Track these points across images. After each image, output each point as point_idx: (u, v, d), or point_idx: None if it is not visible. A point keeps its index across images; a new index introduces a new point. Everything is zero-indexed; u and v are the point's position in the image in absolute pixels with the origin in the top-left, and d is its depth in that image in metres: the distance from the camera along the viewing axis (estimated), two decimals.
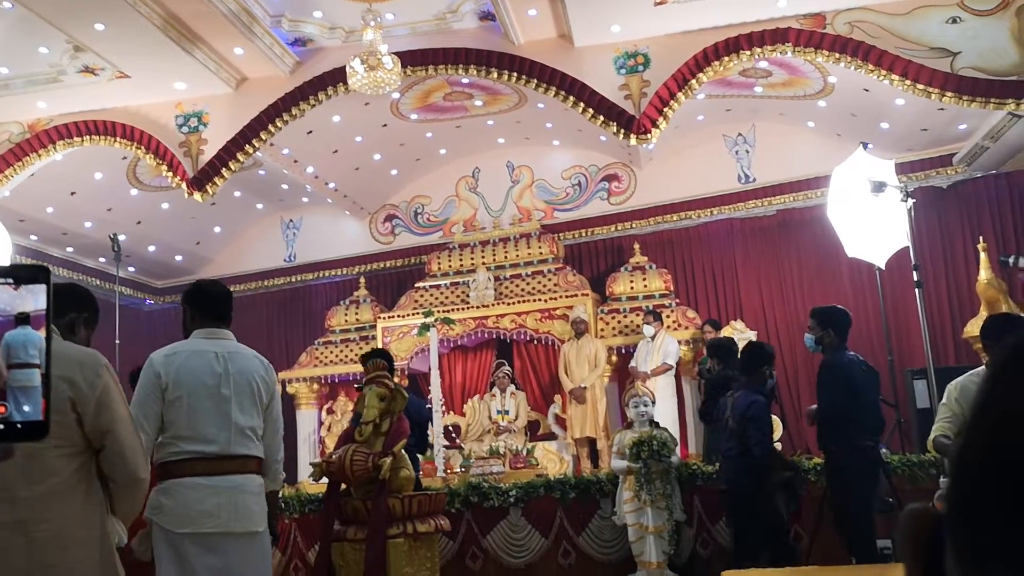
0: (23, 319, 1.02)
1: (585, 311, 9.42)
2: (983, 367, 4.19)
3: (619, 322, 9.68)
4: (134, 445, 2.57)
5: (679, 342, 9.06)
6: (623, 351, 9.47)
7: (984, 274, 7.95)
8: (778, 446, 7.90)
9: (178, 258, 12.02)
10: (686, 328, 9.35)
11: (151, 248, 11.50)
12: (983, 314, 7.78)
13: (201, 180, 8.80)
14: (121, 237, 9.32)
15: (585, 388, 9.00)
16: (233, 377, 3.37)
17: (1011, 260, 7.98)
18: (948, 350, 9.02)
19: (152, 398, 3.26)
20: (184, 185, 8.83)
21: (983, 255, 8.00)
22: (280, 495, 3.99)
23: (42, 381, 1.05)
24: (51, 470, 2.37)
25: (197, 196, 8.85)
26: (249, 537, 3.32)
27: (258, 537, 3.38)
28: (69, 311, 2.79)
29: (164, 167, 8.86)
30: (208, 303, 3.54)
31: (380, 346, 10.14)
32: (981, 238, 8.38)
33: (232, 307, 3.64)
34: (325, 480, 4.61)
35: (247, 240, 12.26)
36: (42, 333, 1.05)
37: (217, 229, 11.79)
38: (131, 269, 11.66)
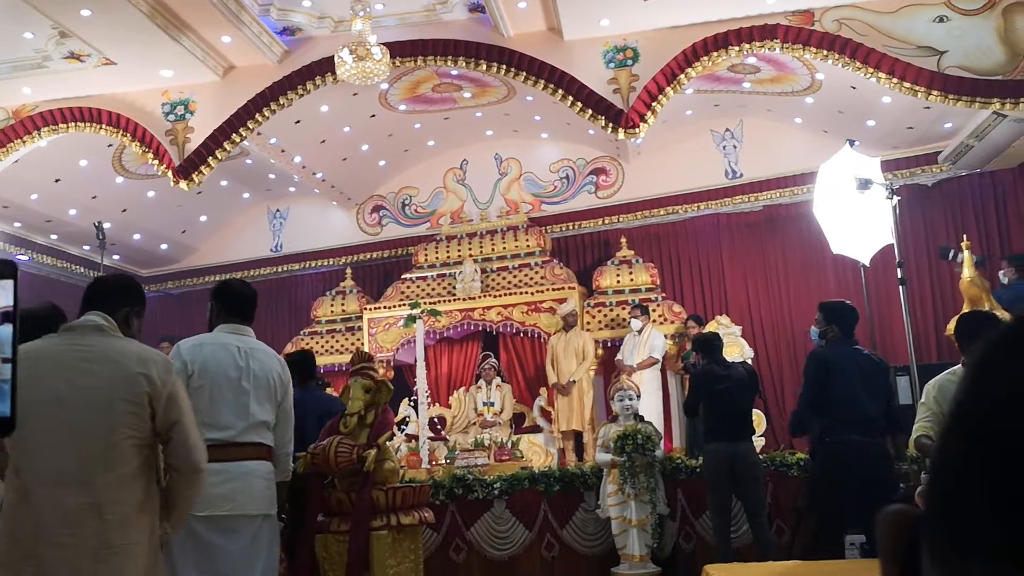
0: (8, 316, 1.02)
1: (576, 304, 9.44)
2: (960, 365, 4.22)
3: (605, 315, 9.70)
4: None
5: (665, 336, 9.08)
6: (608, 344, 9.49)
7: (967, 272, 7.99)
8: (761, 441, 7.96)
9: (163, 247, 11.96)
10: (672, 322, 9.37)
11: (136, 236, 11.44)
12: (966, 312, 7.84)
13: (187, 169, 8.75)
14: (106, 225, 9.26)
15: (574, 383, 9.02)
16: (254, 372, 3.58)
17: (951, 254, 8.07)
18: (931, 347, 9.09)
19: None
20: (170, 173, 8.78)
21: (966, 253, 8.06)
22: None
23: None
24: (125, 459, 2.61)
25: (183, 185, 8.80)
26: (263, 519, 3.52)
27: (270, 520, 3.58)
28: (122, 306, 2.88)
29: (150, 155, 8.81)
30: (235, 301, 3.78)
31: (367, 338, 10.15)
32: (965, 236, 8.43)
33: (255, 305, 3.85)
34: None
35: (233, 229, 12.22)
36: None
37: (203, 218, 11.74)
38: (116, 257, 11.59)
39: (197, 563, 3.35)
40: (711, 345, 6.35)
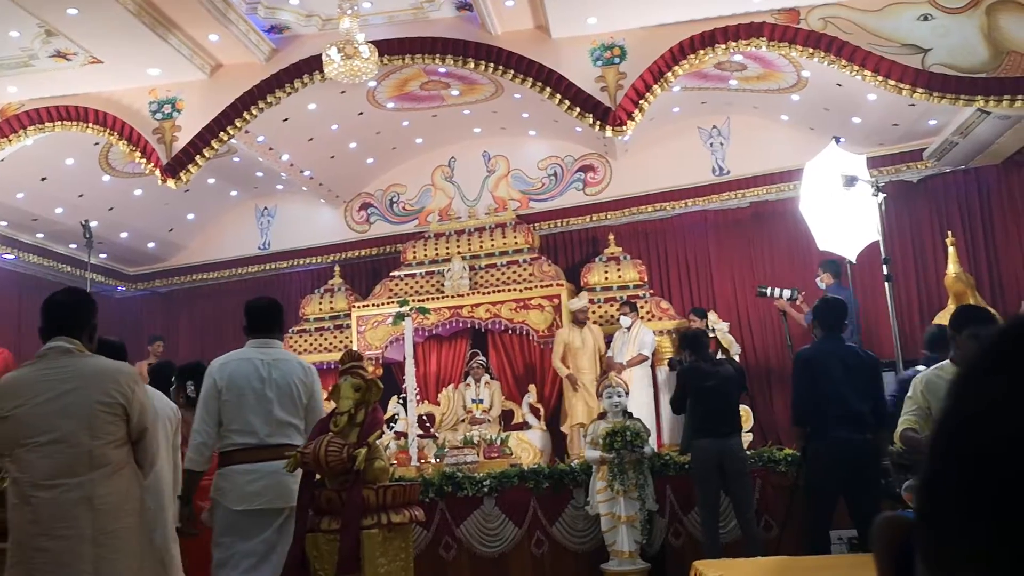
0: None
1: (586, 299, 9.42)
2: (947, 361, 4.28)
3: (593, 312, 9.72)
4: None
5: (653, 333, 9.11)
6: None
7: (952, 268, 8.07)
8: (749, 437, 8.00)
9: (151, 245, 11.90)
10: (660, 319, 9.41)
11: (123, 235, 11.37)
12: (951, 308, 7.91)
13: (175, 167, 8.71)
14: (93, 223, 9.22)
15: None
16: (276, 381, 4.11)
17: (768, 292, 8.13)
18: (917, 343, 9.14)
19: (210, 399, 4.09)
20: (157, 172, 8.74)
21: (951, 249, 8.13)
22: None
23: None
24: (108, 458, 3.15)
25: (171, 183, 8.77)
26: (290, 510, 4.10)
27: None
28: (84, 328, 3.37)
29: (137, 153, 8.77)
30: (254, 317, 4.29)
31: (355, 336, 10.14)
32: (950, 232, 8.51)
33: (277, 316, 4.33)
34: (299, 470, 4.62)
35: (221, 227, 12.16)
36: None
37: (191, 216, 11.69)
38: (103, 256, 11.53)
39: (235, 541, 4.03)
40: (698, 342, 6.39)
